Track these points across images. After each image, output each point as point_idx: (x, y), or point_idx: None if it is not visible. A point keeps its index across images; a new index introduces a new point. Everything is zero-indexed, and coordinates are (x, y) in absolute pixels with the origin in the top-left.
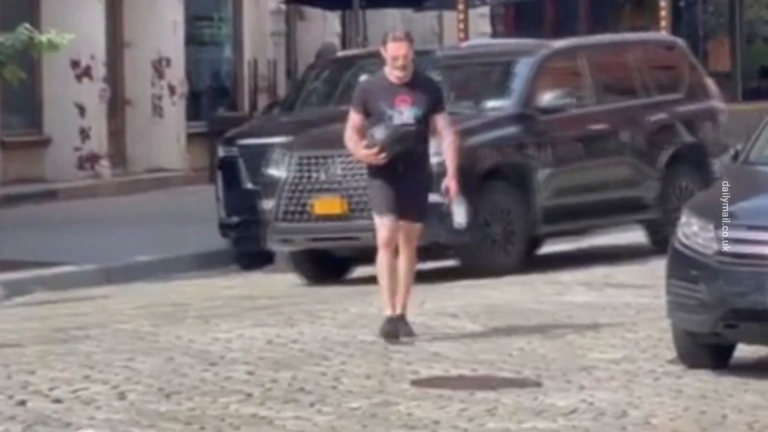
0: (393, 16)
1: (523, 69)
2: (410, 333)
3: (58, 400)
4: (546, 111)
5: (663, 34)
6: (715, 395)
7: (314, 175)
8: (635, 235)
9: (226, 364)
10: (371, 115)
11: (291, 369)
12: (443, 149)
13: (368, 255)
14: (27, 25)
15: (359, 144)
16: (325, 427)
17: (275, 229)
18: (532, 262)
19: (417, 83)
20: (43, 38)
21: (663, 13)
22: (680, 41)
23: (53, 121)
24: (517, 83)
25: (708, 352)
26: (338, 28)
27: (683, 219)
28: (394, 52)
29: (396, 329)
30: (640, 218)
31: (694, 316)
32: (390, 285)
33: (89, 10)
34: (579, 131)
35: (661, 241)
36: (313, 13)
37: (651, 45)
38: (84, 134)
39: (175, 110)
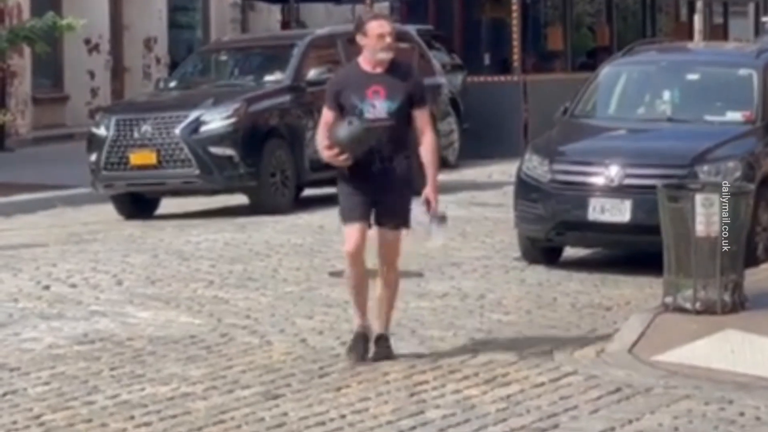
0: (318, 7)
1: (293, 51)
2: (388, 355)
3: (73, 285)
4: (312, 83)
5: (398, 25)
6: (548, 283)
7: (130, 133)
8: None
9: (195, 259)
10: (345, 110)
11: (242, 263)
12: (421, 152)
13: (175, 194)
14: (52, 12)
15: (324, 143)
16: (267, 305)
17: (99, 177)
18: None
19: (394, 72)
20: (64, 22)
21: (514, 6)
22: (413, 31)
23: (71, 83)
24: (289, 62)
25: (543, 252)
26: (279, 17)
27: (526, 156)
28: (379, 30)
29: (363, 349)
30: None
31: (534, 227)
32: (359, 300)
33: (98, 1)
34: None
35: None
36: (261, 5)
37: None
38: (94, 93)
39: (160, 76)
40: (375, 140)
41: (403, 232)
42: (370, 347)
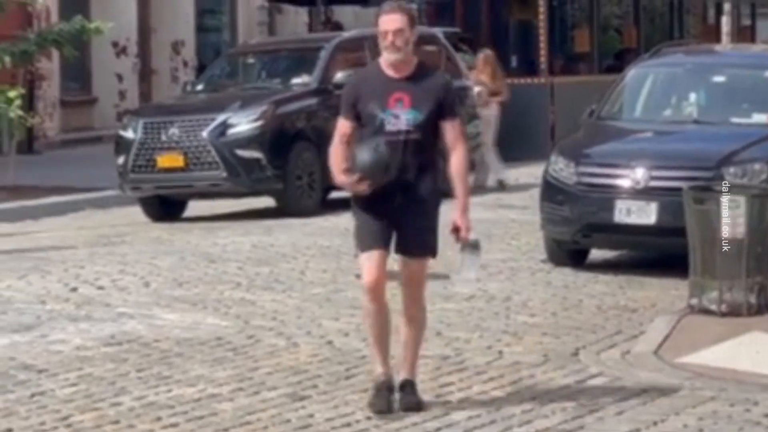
0: (346, 10)
1: (320, 53)
2: (417, 405)
3: (101, 287)
4: (339, 86)
5: (424, 28)
6: (574, 285)
7: (157, 136)
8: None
9: (223, 261)
10: (362, 120)
11: (269, 265)
12: (451, 169)
13: (202, 197)
14: (80, 16)
15: (340, 165)
16: (293, 307)
17: (127, 179)
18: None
19: (421, 78)
20: (92, 26)
21: (541, 9)
22: (439, 33)
23: (99, 85)
24: (316, 64)
25: (569, 254)
26: (306, 19)
27: (552, 158)
28: (384, 26)
29: (387, 403)
30: None
31: (560, 229)
32: (380, 341)
33: (126, 5)
34: None
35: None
36: (288, 8)
37: (417, 35)
38: (121, 95)
39: (187, 79)
40: (396, 164)
41: (430, 261)
42: (395, 398)
